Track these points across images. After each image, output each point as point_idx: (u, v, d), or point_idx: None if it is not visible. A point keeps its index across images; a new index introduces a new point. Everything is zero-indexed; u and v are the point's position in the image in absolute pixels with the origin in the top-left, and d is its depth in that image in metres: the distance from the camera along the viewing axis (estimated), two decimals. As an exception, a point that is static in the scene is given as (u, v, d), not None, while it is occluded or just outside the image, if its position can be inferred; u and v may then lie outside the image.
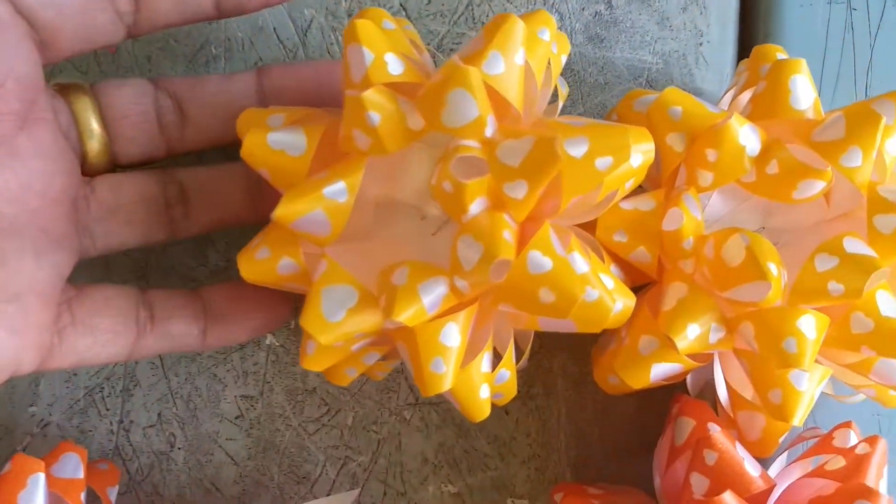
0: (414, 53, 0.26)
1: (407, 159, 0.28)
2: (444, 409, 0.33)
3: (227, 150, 0.30)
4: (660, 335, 0.28)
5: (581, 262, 0.25)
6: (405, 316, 0.24)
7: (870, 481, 0.26)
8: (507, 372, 0.28)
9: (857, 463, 0.27)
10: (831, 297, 0.26)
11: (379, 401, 0.33)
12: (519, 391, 0.33)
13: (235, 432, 0.33)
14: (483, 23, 0.34)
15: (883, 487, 0.27)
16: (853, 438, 0.28)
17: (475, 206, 0.24)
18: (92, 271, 0.34)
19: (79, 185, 0.29)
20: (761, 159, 0.28)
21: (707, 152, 0.28)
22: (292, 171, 0.25)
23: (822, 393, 0.31)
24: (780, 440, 0.29)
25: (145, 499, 0.33)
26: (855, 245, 0.26)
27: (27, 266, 0.27)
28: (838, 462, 0.27)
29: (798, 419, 0.27)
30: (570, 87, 0.35)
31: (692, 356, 0.28)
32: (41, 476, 0.26)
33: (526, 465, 0.33)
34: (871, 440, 0.27)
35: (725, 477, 0.26)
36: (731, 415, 0.29)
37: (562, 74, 0.34)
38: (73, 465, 0.28)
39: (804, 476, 0.27)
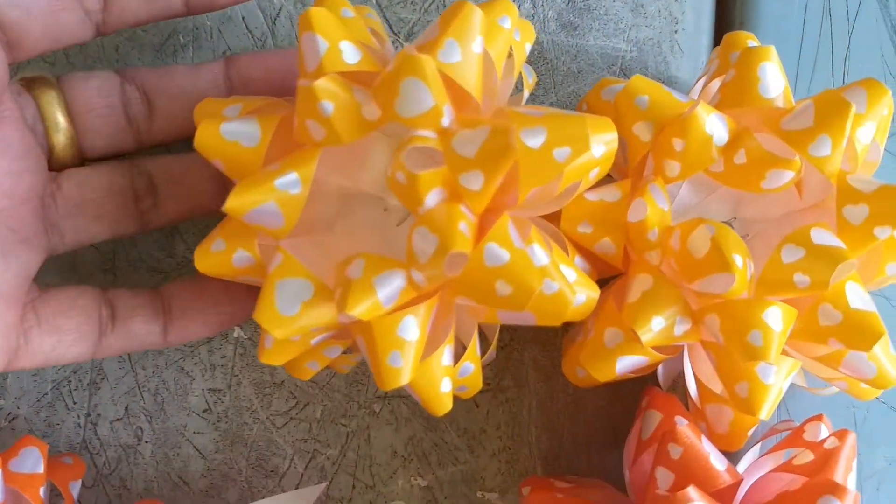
0: (373, 42, 0.26)
1: (367, 150, 0.27)
2: (414, 402, 0.33)
3: (196, 140, 0.30)
4: (625, 327, 0.27)
5: (541, 253, 0.25)
6: (359, 310, 0.24)
7: (838, 476, 0.26)
8: (471, 365, 0.28)
9: (826, 457, 0.26)
10: (797, 289, 0.25)
11: (348, 394, 0.33)
12: (489, 383, 0.33)
13: (203, 426, 0.33)
14: (453, 10, 0.33)
15: (851, 482, 0.27)
16: (824, 432, 0.28)
17: (431, 198, 0.24)
18: (59, 264, 0.33)
19: (46, 181, 0.28)
20: (729, 149, 0.27)
21: (674, 142, 0.27)
22: (246, 162, 0.25)
23: (795, 385, 0.31)
24: (750, 433, 0.28)
25: (113, 493, 0.33)
26: (822, 236, 0.26)
27: None
28: (807, 456, 0.27)
29: (765, 413, 0.26)
30: (542, 75, 0.34)
31: (658, 349, 0.27)
32: (-2, 471, 0.26)
33: (496, 458, 0.33)
34: (841, 434, 0.27)
35: (690, 471, 0.26)
36: (701, 408, 0.29)
37: (534, 63, 0.34)
38: (33, 460, 0.28)
39: (773, 470, 0.27)
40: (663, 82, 0.32)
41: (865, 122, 0.28)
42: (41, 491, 0.27)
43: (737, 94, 0.28)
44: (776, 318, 0.25)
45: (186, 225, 0.34)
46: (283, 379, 0.33)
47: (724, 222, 0.29)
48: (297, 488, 0.33)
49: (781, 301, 0.26)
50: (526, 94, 0.29)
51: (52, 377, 0.33)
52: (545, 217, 0.28)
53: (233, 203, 0.24)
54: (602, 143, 0.25)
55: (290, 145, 0.25)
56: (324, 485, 0.32)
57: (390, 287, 0.24)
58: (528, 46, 0.27)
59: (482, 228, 0.25)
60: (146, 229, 0.30)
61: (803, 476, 0.26)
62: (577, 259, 0.28)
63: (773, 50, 0.28)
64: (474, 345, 0.28)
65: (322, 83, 0.23)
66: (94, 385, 0.33)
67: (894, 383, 0.27)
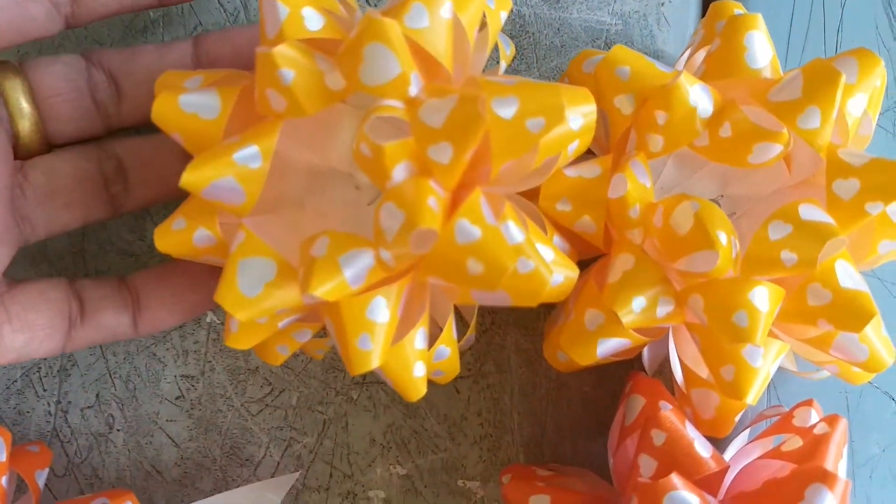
0: (340, 10, 0.25)
1: (334, 123, 0.26)
2: (393, 389, 0.32)
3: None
4: (606, 309, 0.26)
5: (515, 231, 0.24)
6: (323, 290, 0.23)
7: (828, 463, 0.25)
8: (447, 349, 0.27)
9: (815, 444, 0.25)
10: (785, 267, 0.24)
11: (324, 380, 0.32)
12: (470, 369, 0.32)
13: (176, 413, 0.32)
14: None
15: (842, 468, 0.25)
16: (814, 417, 0.27)
17: (398, 172, 0.23)
18: (27, 248, 0.32)
19: (14, 171, 0.27)
20: (714, 122, 0.26)
21: (656, 114, 0.26)
22: (206, 135, 0.24)
23: (785, 369, 0.30)
24: (737, 418, 0.27)
25: (84, 481, 0.32)
26: (811, 212, 0.25)
27: None
28: (796, 442, 0.25)
29: (752, 397, 0.25)
30: (524, 49, 0.33)
31: (641, 331, 0.26)
32: (-47, 460, 0.25)
33: (477, 446, 0.32)
34: (831, 420, 0.26)
35: (674, 458, 0.25)
36: (686, 393, 0.28)
37: (516, 37, 0.33)
38: (-5, 447, 0.27)
39: (761, 457, 0.25)
40: (649, 57, 0.30)
41: (857, 93, 0.27)
42: (3, 480, 0.26)
43: (722, 64, 0.27)
44: (763, 297, 0.24)
45: (157, 207, 0.33)
46: (257, 365, 0.32)
47: (710, 200, 0.28)
48: (272, 477, 0.32)
49: (768, 280, 0.25)
50: (503, 65, 0.27)
51: (21, 364, 0.32)
52: (523, 194, 0.27)
53: (189, 177, 0.22)
54: (580, 115, 0.24)
55: (252, 118, 0.24)
56: (299, 473, 0.31)
57: (357, 266, 0.23)
58: (503, 15, 0.26)
59: (454, 205, 0.24)
60: (118, 214, 0.29)
61: (792, 463, 0.25)
62: (556, 238, 0.27)
63: (760, 18, 0.26)
64: (450, 328, 0.27)
65: (282, 49, 0.22)
66: (64, 372, 0.32)
67: (887, 366, 0.26)
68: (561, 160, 0.26)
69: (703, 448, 0.25)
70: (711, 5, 0.29)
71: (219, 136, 0.24)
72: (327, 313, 0.24)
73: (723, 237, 0.24)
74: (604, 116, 0.27)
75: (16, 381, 0.32)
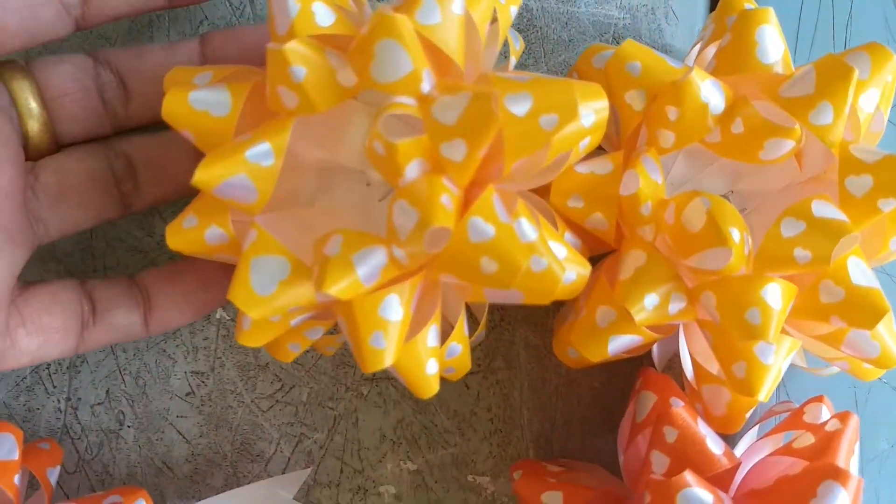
0: (350, 5, 0.25)
1: (346, 120, 0.26)
2: (403, 385, 0.32)
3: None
4: (617, 306, 0.26)
5: (528, 228, 0.24)
6: (337, 288, 0.22)
7: (840, 460, 0.25)
8: (459, 346, 0.27)
9: (827, 440, 0.25)
10: (798, 265, 0.24)
11: (335, 376, 0.32)
12: (480, 365, 0.32)
13: (186, 409, 0.32)
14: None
15: (854, 465, 0.26)
16: (825, 413, 0.27)
17: (411, 170, 0.23)
18: (42, 249, 0.32)
19: (25, 172, 0.27)
20: (726, 117, 0.26)
21: (668, 110, 0.26)
22: (217, 133, 0.23)
23: (795, 365, 0.30)
24: (748, 415, 0.27)
25: (95, 478, 0.32)
26: (824, 209, 0.25)
27: None
28: (808, 439, 0.25)
29: (764, 394, 0.25)
30: (532, 44, 0.33)
31: (653, 328, 0.26)
32: (-34, 458, 0.25)
33: (487, 441, 0.32)
34: (843, 416, 0.26)
35: (686, 455, 0.25)
36: (697, 389, 0.28)
37: (523, 31, 0.33)
38: (7, 447, 0.27)
39: (772, 454, 0.25)
40: (657, 51, 0.30)
41: (869, 88, 0.27)
42: (15, 478, 0.26)
43: (734, 59, 0.26)
44: (775, 295, 0.24)
45: (166, 203, 0.33)
46: (267, 361, 0.32)
47: (721, 196, 0.28)
48: (283, 473, 0.32)
49: (781, 277, 0.25)
50: (513, 60, 0.27)
51: (30, 361, 0.32)
52: (534, 191, 0.27)
53: (201, 176, 0.22)
54: (592, 112, 0.24)
55: (263, 114, 0.24)
56: (310, 469, 0.31)
57: (371, 264, 0.23)
58: (513, 10, 0.26)
59: (467, 202, 0.24)
60: (129, 213, 0.29)
61: (804, 460, 0.25)
62: (568, 235, 0.27)
63: (771, 12, 0.26)
64: (461, 325, 0.27)
65: (293, 46, 0.22)
66: (73, 368, 0.32)
67: (899, 362, 0.26)
68: (572, 157, 0.26)
69: (715, 445, 0.25)
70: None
71: (230, 134, 0.24)
72: (340, 312, 0.24)
73: (735, 234, 0.24)
74: (614, 112, 0.27)
75: (25, 378, 0.32)
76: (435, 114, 0.22)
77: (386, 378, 0.32)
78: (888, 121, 0.29)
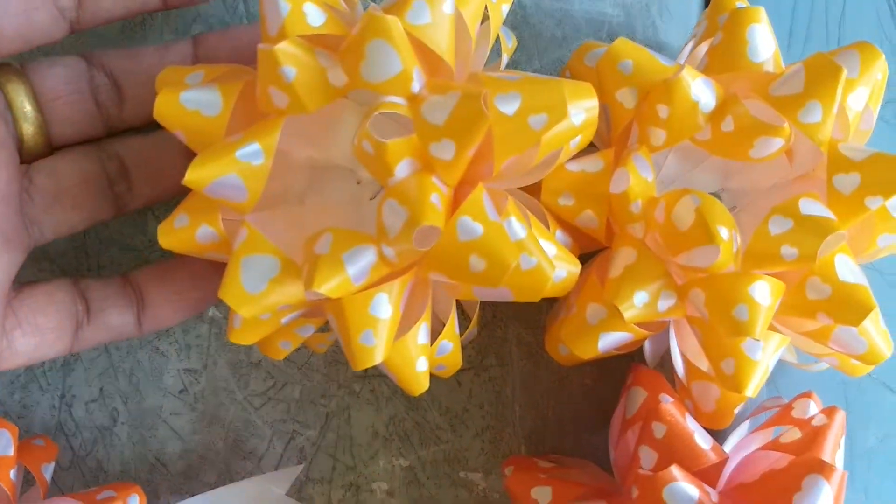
0: (341, 5, 0.25)
1: (336, 118, 0.26)
2: (394, 382, 0.32)
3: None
4: (607, 303, 0.26)
5: (517, 227, 0.24)
6: (327, 287, 0.23)
7: (825, 454, 0.25)
8: (450, 343, 0.27)
9: (813, 435, 0.25)
10: (785, 262, 0.24)
11: (327, 374, 0.32)
12: (472, 362, 0.32)
13: (179, 406, 0.32)
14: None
15: (839, 459, 0.26)
16: (813, 409, 0.27)
17: (401, 169, 0.23)
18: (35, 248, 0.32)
19: (20, 175, 0.27)
20: (716, 115, 0.26)
21: (658, 108, 0.26)
22: (208, 132, 0.24)
23: (785, 361, 0.30)
24: (737, 410, 0.27)
25: (89, 474, 0.32)
26: (811, 207, 0.25)
27: None
28: (794, 434, 0.26)
29: (751, 390, 0.25)
30: (525, 41, 0.33)
31: (642, 325, 0.26)
32: (-40, 455, 0.25)
33: (479, 438, 0.32)
34: (829, 411, 0.26)
35: (674, 450, 0.25)
36: (687, 386, 0.28)
37: (517, 28, 0.33)
38: (3, 443, 0.27)
39: (760, 449, 0.26)
40: (651, 48, 0.30)
41: (858, 87, 0.27)
42: (11, 473, 0.26)
43: (724, 58, 0.27)
44: (763, 292, 0.24)
45: (159, 203, 0.33)
46: (260, 359, 0.32)
47: (711, 194, 0.28)
48: (276, 469, 0.32)
49: (769, 275, 0.25)
50: (505, 59, 0.27)
51: (24, 358, 0.32)
52: (525, 189, 0.27)
53: (192, 175, 0.22)
54: (582, 110, 0.24)
55: (253, 114, 0.24)
56: (302, 466, 0.31)
57: (360, 263, 0.23)
58: (505, 8, 0.26)
59: (457, 201, 0.24)
60: (122, 213, 0.30)
61: (790, 454, 0.25)
62: (559, 233, 0.27)
63: (762, 11, 0.26)
64: (452, 322, 0.27)
65: (283, 47, 0.22)
66: (67, 367, 0.32)
67: (885, 358, 0.26)
68: (563, 155, 0.26)
69: (703, 440, 0.25)
70: (713, -2, 0.29)
71: (221, 133, 0.24)
72: (330, 310, 0.24)
73: (724, 232, 0.24)
74: (606, 110, 0.28)
75: (20, 376, 0.32)
76: (424, 113, 0.22)
77: (378, 375, 0.32)
78: (878, 117, 0.29)
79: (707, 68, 0.27)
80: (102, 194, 0.29)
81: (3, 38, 0.26)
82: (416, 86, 0.23)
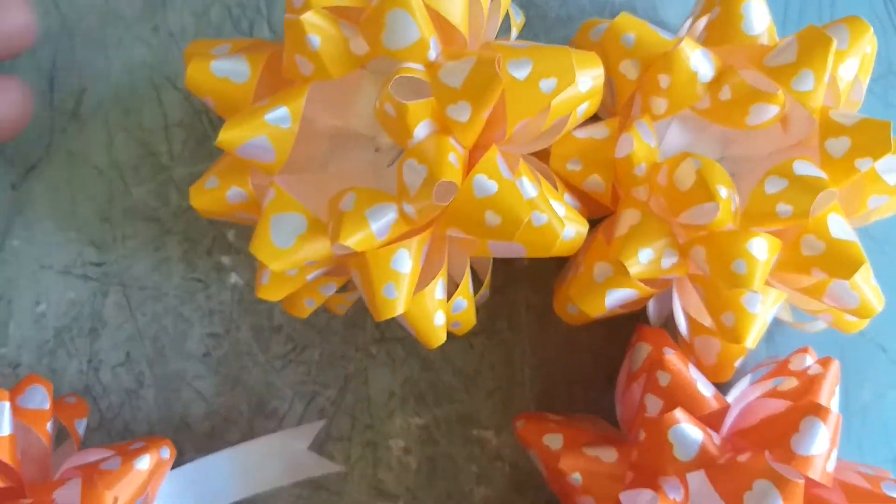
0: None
1: (356, 88, 0.28)
2: (411, 345, 0.34)
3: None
4: (614, 261, 0.28)
5: (529, 186, 0.25)
6: (353, 241, 0.24)
7: (822, 399, 0.26)
8: (464, 301, 0.28)
9: (810, 383, 0.27)
10: (780, 219, 0.26)
11: (345, 337, 0.34)
12: (483, 325, 0.33)
13: (203, 370, 0.34)
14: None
15: (834, 405, 0.27)
16: (809, 362, 0.29)
17: (420, 130, 0.24)
18: (56, 214, 0.34)
19: None
20: (714, 85, 0.28)
21: (659, 78, 0.28)
22: (236, 99, 0.25)
23: (781, 321, 0.31)
24: (738, 364, 0.29)
25: (117, 435, 0.34)
26: (805, 168, 0.26)
27: None
28: (792, 383, 0.27)
29: (751, 341, 0.27)
30: (531, 20, 0.34)
31: (647, 282, 0.28)
32: (6, 405, 0.26)
33: (491, 398, 0.33)
34: (825, 361, 0.27)
35: (678, 397, 0.27)
36: (689, 342, 0.29)
37: (524, 8, 0.34)
38: (40, 397, 0.28)
39: (759, 397, 0.27)
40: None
41: (848, 58, 0.28)
42: (48, 426, 0.28)
43: (721, 31, 0.28)
44: (761, 247, 0.26)
45: (181, 174, 0.34)
46: (281, 323, 0.34)
47: (711, 160, 0.30)
48: (296, 429, 0.33)
49: (766, 233, 0.26)
50: (514, 33, 0.29)
51: (53, 324, 0.34)
52: (535, 155, 0.28)
53: (225, 137, 0.24)
54: (589, 78, 0.26)
55: (278, 83, 0.26)
56: (322, 422, 0.32)
57: (383, 220, 0.25)
58: (515, -16, 0.27)
59: (471, 164, 0.26)
60: None
61: (788, 401, 0.26)
62: (567, 197, 0.29)
63: (757, -14, 0.28)
64: (467, 281, 0.28)
65: (309, 17, 0.23)
66: (94, 332, 0.34)
67: (876, 312, 0.27)
68: (571, 122, 0.27)
69: (705, 388, 0.27)
70: (711, -25, 0.31)
71: (249, 100, 0.25)
72: (354, 265, 0.26)
73: (723, 191, 0.26)
74: (610, 83, 0.29)
75: (48, 342, 0.34)
76: (442, 77, 0.24)
77: (394, 339, 0.34)
78: (868, 91, 0.31)
79: (705, 41, 0.29)
80: None
81: None
82: (433, 53, 0.24)
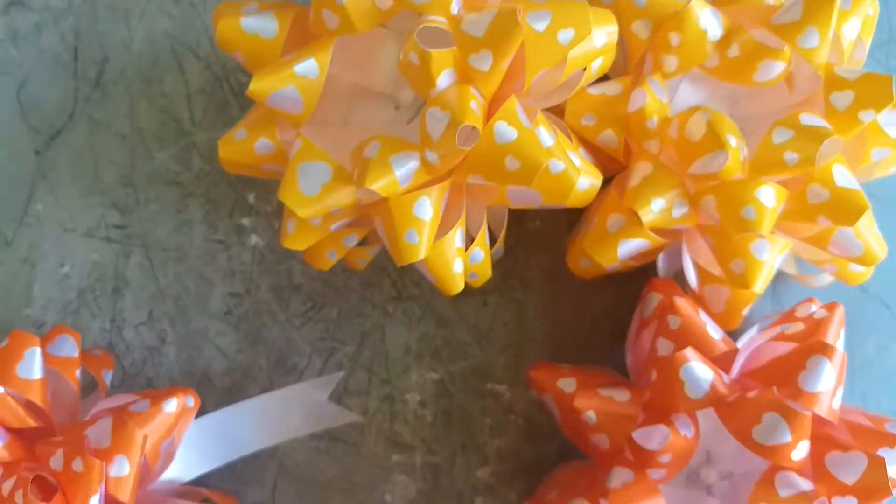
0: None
1: (378, 46, 0.29)
2: (426, 303, 0.34)
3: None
4: (626, 212, 0.29)
5: (546, 135, 0.26)
6: (377, 185, 0.25)
7: (828, 339, 0.27)
8: (481, 252, 0.29)
9: (816, 326, 0.28)
10: (788, 167, 0.27)
11: (363, 295, 0.35)
12: (496, 284, 0.34)
13: (224, 328, 0.35)
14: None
15: (839, 347, 0.28)
16: (815, 309, 0.30)
17: (443, 80, 0.25)
18: (80, 180, 0.35)
19: None
20: (723, 43, 0.29)
21: (670, 37, 0.29)
22: (265, 54, 0.26)
23: (787, 275, 0.32)
24: (745, 312, 0.30)
25: (139, 391, 0.34)
26: (811, 119, 0.27)
27: None
28: (798, 327, 0.28)
29: (759, 286, 0.28)
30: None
31: (658, 232, 0.29)
32: (37, 350, 0.27)
33: (504, 354, 0.34)
34: (830, 306, 0.28)
35: (689, 340, 0.27)
36: (699, 291, 0.30)
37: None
38: (69, 346, 0.29)
39: (767, 341, 0.28)
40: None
41: (851, 17, 0.29)
42: (77, 373, 0.29)
43: (730, -10, 0.29)
44: (769, 195, 0.27)
45: (202, 139, 0.35)
46: (300, 283, 0.35)
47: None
48: (315, 385, 0.34)
49: (774, 182, 0.27)
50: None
51: (76, 285, 0.35)
52: (550, 111, 0.29)
53: (255, 86, 0.25)
54: (604, 33, 0.27)
55: (304, 39, 0.27)
56: (340, 373, 0.33)
57: (406, 167, 0.26)
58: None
59: (490, 114, 0.27)
60: None
61: (795, 343, 0.27)
62: (581, 150, 0.30)
63: (763, -52, 0.29)
64: (483, 233, 0.29)
65: (338, -31, 0.24)
66: (117, 292, 0.35)
67: (880, 259, 0.28)
68: (585, 79, 0.28)
69: (714, 332, 0.28)
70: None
71: (277, 55, 0.26)
72: (377, 213, 0.27)
73: (732, 140, 0.27)
74: (622, 43, 0.30)
75: (72, 302, 0.35)
76: (464, 27, 0.25)
77: (410, 298, 0.35)
78: (869, 57, 0.32)
79: (714, 1, 0.30)
80: None
81: None
82: (455, 7, 0.25)
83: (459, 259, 0.28)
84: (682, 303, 0.28)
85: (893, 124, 0.29)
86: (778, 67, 0.29)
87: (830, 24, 0.28)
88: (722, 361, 0.27)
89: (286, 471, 0.34)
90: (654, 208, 0.28)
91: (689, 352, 0.26)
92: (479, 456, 0.34)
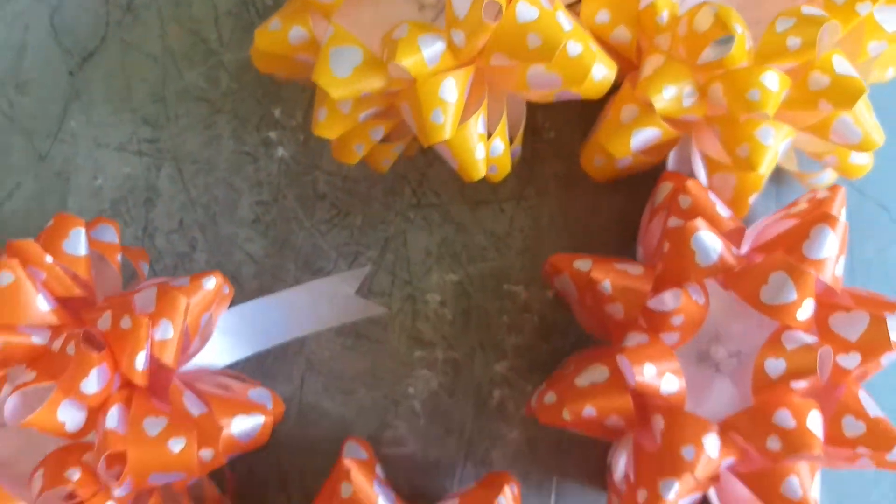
0: None
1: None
2: (445, 210, 0.36)
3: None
4: (639, 103, 0.30)
5: (565, 20, 0.28)
6: (407, 62, 0.27)
7: (832, 212, 0.29)
8: (501, 144, 0.31)
9: (819, 203, 0.29)
10: (790, 53, 0.29)
11: (385, 203, 0.36)
12: (513, 192, 0.36)
13: (253, 234, 0.36)
14: None
15: (841, 219, 0.29)
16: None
17: (468, -36, 0.27)
18: (112, 97, 0.36)
19: None
20: (729, -56, 0.31)
21: (678, -62, 0.30)
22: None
23: (788, 173, 0.34)
24: (751, 200, 0.32)
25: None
26: (811, 9, 0.29)
27: None
28: (803, 206, 0.30)
29: (764, 167, 0.29)
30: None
31: (669, 121, 0.31)
32: (82, 230, 0.29)
33: (521, 257, 0.36)
34: (832, 188, 0.30)
35: (698, 216, 0.29)
36: (708, 180, 0.32)
37: None
38: (110, 234, 0.31)
39: (773, 220, 0.30)
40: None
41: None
42: (118, 258, 0.30)
43: None
44: (773, 80, 0.29)
45: (230, 59, 0.37)
46: (325, 192, 0.36)
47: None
48: (340, 287, 0.36)
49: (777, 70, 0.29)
50: None
51: (109, 197, 0.36)
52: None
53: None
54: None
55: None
56: (366, 268, 0.35)
57: (433, 48, 0.27)
58: None
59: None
60: None
61: (799, 219, 0.29)
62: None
63: None
64: (503, 124, 0.31)
65: None
66: (149, 202, 0.36)
67: (878, 144, 0.30)
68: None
69: (723, 210, 0.29)
70: None
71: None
72: (405, 96, 0.28)
73: (738, 27, 0.29)
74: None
75: (105, 212, 0.36)
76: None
77: (430, 205, 0.36)
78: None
79: None
80: None
81: None
82: None
83: (482, 144, 0.29)
84: (693, 184, 0.29)
85: (889, 20, 0.30)
86: (780, -33, 0.30)
87: (828, -76, 0.30)
88: (731, 236, 0.29)
89: (313, 367, 0.35)
90: (666, 95, 0.29)
91: (700, 221, 0.28)
92: (497, 351, 0.35)
